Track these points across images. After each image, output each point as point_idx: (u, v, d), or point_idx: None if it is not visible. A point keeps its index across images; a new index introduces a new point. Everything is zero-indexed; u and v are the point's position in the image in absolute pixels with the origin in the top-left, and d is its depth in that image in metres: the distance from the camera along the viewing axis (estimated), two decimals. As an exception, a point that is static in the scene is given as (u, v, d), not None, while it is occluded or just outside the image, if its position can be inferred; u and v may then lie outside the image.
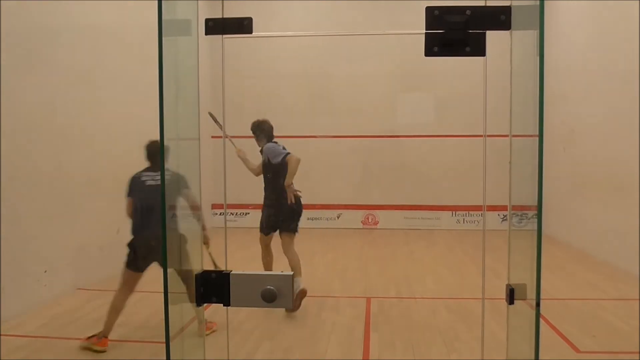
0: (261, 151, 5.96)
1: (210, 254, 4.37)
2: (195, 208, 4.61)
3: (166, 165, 3.72)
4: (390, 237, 10.49)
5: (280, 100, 11.49)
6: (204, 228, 4.62)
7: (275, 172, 5.83)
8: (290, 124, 11.50)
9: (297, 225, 5.88)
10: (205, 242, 4.67)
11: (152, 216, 4.64)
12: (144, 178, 4.89)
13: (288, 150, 5.86)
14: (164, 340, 1.45)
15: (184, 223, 1.69)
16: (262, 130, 5.99)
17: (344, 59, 11.33)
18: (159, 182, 4.20)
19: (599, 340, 4.75)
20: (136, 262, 4.80)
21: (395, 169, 11.31)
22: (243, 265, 6.18)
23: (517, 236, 1.51)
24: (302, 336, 4.95)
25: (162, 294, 1.45)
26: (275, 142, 5.97)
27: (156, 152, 4.94)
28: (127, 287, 4.83)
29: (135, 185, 4.87)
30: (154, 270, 6.97)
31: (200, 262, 1.56)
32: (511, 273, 1.48)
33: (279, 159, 5.77)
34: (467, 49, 1.40)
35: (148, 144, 5.06)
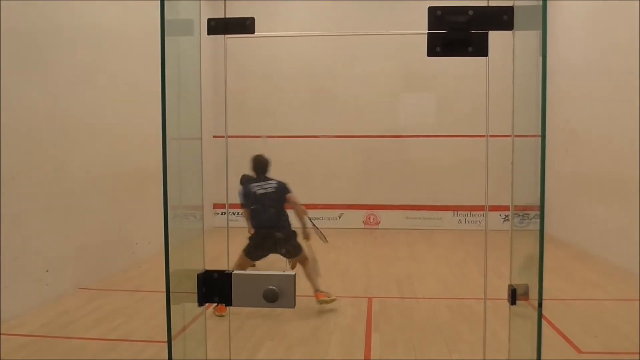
0: (280, 187, 5.82)
1: (310, 246, 5.89)
2: (295, 204, 5.62)
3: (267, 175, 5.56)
4: (392, 237, 10.49)
5: (282, 100, 11.49)
6: (304, 226, 5.92)
7: None
8: (292, 123, 11.52)
9: None
10: (306, 237, 5.94)
11: (265, 216, 5.84)
12: (254, 189, 5.94)
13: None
14: (166, 339, 1.45)
15: (186, 223, 1.69)
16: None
17: (346, 59, 11.34)
18: (267, 190, 5.91)
19: (600, 341, 4.74)
20: (253, 252, 5.85)
21: (397, 168, 11.30)
22: (244, 265, 6.14)
23: (519, 236, 1.51)
24: (304, 336, 4.95)
25: (165, 294, 1.45)
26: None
27: (261, 166, 5.96)
28: (239, 267, 5.70)
29: (249, 197, 6.01)
30: (155, 271, 7.00)
31: (202, 261, 1.56)
32: (513, 273, 1.48)
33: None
34: (470, 49, 1.40)
35: (254, 157, 6.03)
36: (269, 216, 5.80)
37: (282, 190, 5.83)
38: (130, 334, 4.93)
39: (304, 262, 5.85)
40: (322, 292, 5.67)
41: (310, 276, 5.75)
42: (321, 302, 5.60)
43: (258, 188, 5.85)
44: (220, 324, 4.88)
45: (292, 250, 5.83)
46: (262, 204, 5.81)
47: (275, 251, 5.89)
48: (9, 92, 5.24)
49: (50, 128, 5.99)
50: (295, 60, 11.35)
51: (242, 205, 6.54)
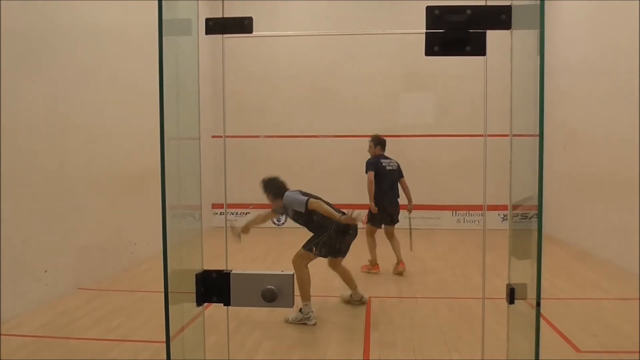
0: (278, 208, 5.67)
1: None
2: (405, 190, 7.54)
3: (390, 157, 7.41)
4: (391, 237, 10.46)
5: (280, 100, 11.49)
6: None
7: (309, 218, 5.48)
8: (291, 123, 11.52)
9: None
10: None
11: (389, 191, 7.24)
12: (384, 164, 7.26)
13: (305, 194, 5.46)
14: (165, 340, 1.45)
15: (184, 223, 1.69)
16: (272, 187, 5.61)
17: (344, 58, 11.33)
18: (393, 167, 7.34)
19: (599, 340, 4.75)
20: (376, 221, 7.30)
21: (396, 168, 11.29)
22: (243, 265, 6.21)
23: (518, 235, 1.51)
24: (303, 336, 4.95)
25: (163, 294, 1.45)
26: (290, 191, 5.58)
27: (385, 143, 7.43)
28: (372, 236, 7.35)
29: (378, 167, 7.20)
30: (154, 271, 6.99)
31: (200, 261, 1.56)
32: (511, 273, 1.48)
33: (303, 208, 5.30)
34: (468, 48, 1.40)
35: (374, 136, 7.53)
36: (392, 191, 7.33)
37: (399, 172, 7.43)
38: (130, 334, 4.93)
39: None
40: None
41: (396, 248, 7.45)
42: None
43: (386, 164, 7.32)
44: (219, 324, 4.88)
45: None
46: (389, 177, 7.28)
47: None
48: (8, 92, 5.23)
49: (50, 128, 5.99)
50: (294, 60, 11.34)
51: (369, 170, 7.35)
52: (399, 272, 7.27)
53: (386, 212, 7.28)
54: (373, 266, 7.30)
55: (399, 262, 7.36)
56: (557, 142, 9.50)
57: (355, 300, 5.89)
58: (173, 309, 1.46)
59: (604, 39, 8.19)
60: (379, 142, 7.42)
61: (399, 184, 7.42)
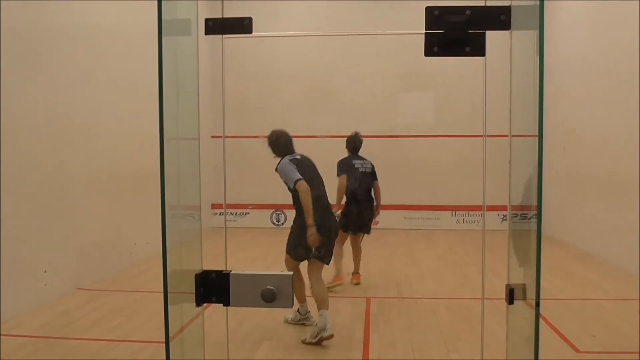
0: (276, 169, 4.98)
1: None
2: (377, 193, 6.63)
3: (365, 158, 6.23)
4: (391, 237, 10.46)
5: (280, 100, 11.49)
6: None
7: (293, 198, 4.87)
8: (290, 124, 11.45)
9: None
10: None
11: (363, 195, 6.53)
12: (356, 165, 6.62)
13: (303, 170, 4.82)
14: (164, 340, 1.45)
15: (184, 223, 1.69)
16: (276, 144, 5.09)
17: (344, 59, 11.33)
18: (366, 170, 6.62)
19: (599, 340, 4.75)
20: (348, 226, 6.48)
21: (395, 169, 11.28)
22: (243, 265, 6.22)
23: (517, 236, 1.51)
24: (302, 336, 4.94)
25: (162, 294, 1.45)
26: (292, 157, 4.96)
27: (359, 144, 6.73)
28: (340, 243, 6.37)
29: (349, 168, 6.53)
30: (154, 271, 6.99)
31: (200, 261, 1.56)
32: (511, 273, 1.48)
33: (292, 184, 4.73)
34: (467, 49, 1.40)
35: (351, 136, 6.82)
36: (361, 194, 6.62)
37: (373, 173, 6.78)
38: (129, 335, 4.93)
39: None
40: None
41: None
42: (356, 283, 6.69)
43: (359, 165, 6.70)
44: (218, 324, 4.88)
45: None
46: (360, 180, 6.62)
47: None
48: (8, 92, 5.23)
49: (50, 128, 5.99)
50: (293, 60, 11.35)
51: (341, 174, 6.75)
52: (354, 282, 6.69)
53: (359, 218, 6.53)
54: (336, 277, 6.35)
55: (356, 272, 6.77)
56: (557, 142, 9.50)
57: (302, 315, 5.18)
58: (172, 309, 1.46)
59: (603, 39, 8.20)
60: (347, 144, 6.77)
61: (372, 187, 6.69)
